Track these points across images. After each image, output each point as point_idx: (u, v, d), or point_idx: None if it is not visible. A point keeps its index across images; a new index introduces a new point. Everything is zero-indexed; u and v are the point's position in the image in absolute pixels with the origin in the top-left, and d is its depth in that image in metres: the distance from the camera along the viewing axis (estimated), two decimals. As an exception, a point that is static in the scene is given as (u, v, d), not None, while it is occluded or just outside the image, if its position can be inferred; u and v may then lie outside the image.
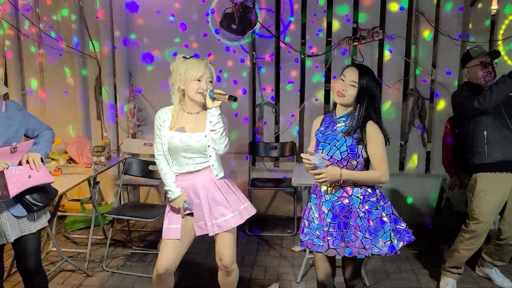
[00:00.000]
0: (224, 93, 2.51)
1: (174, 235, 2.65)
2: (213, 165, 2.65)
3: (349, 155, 2.35)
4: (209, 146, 2.60)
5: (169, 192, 2.64)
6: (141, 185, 4.81)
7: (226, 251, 2.68)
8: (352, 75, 2.37)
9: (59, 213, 4.22)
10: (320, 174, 2.31)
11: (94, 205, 3.90)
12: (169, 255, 2.63)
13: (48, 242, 3.96)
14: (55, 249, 3.73)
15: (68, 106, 4.95)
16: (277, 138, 4.93)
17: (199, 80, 2.54)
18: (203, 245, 4.10)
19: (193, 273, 3.66)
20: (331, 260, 2.56)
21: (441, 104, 4.62)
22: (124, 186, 4.53)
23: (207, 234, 2.66)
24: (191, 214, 2.69)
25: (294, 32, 4.69)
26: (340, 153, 2.35)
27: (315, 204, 2.52)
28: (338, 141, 2.37)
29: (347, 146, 2.35)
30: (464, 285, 3.45)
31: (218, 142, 2.56)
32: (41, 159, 2.48)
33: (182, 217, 2.67)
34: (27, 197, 2.45)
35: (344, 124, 2.42)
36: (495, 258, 3.44)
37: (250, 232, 4.49)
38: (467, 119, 3.24)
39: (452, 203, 4.27)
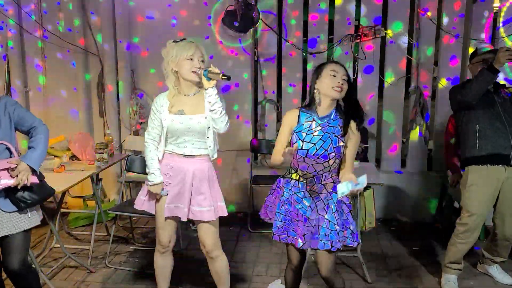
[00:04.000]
0: (218, 71, 2.55)
1: (149, 209, 2.81)
2: (210, 146, 2.71)
3: (336, 155, 2.41)
4: (208, 127, 2.65)
5: (151, 175, 2.70)
6: (143, 182, 4.80)
7: (207, 238, 2.77)
8: (342, 70, 2.41)
9: (62, 210, 4.23)
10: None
11: (97, 202, 3.91)
12: (167, 230, 2.80)
13: (51, 238, 3.98)
14: (58, 245, 3.74)
15: (71, 103, 4.97)
16: (279, 136, 4.94)
17: (191, 59, 2.60)
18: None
19: (195, 266, 3.68)
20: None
21: (443, 102, 4.61)
22: (126, 183, 4.55)
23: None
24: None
25: (296, 30, 4.69)
26: (328, 154, 2.39)
27: (287, 199, 2.51)
28: (324, 141, 2.40)
29: (334, 147, 2.40)
30: (466, 282, 3.46)
31: (218, 121, 2.61)
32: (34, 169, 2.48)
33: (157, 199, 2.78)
34: (16, 193, 2.44)
35: (328, 124, 2.43)
36: (495, 254, 3.45)
37: (252, 229, 4.50)
38: (460, 113, 3.28)
39: (454, 200, 4.27)
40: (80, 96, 4.92)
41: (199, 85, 2.67)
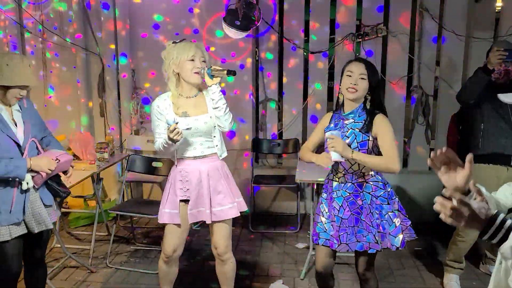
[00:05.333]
0: (222, 68, 2.53)
1: (173, 220, 2.68)
2: (217, 145, 2.68)
3: (360, 151, 2.37)
4: (214, 127, 2.64)
5: (165, 141, 2.50)
6: (144, 181, 4.82)
7: (220, 240, 2.73)
8: (359, 68, 2.39)
9: (63, 210, 4.22)
10: (333, 138, 2.30)
11: (98, 201, 3.90)
12: (174, 239, 2.71)
13: (52, 238, 3.96)
14: (59, 245, 3.74)
15: (72, 103, 4.95)
16: (280, 135, 4.93)
17: (192, 60, 2.56)
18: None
19: (198, 264, 3.67)
20: (332, 253, 2.57)
21: (445, 101, 4.60)
22: (127, 182, 4.53)
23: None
24: (187, 201, 2.69)
25: (297, 29, 4.68)
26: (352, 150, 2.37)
27: (325, 199, 2.55)
28: (349, 137, 2.39)
29: (357, 143, 2.38)
30: (468, 282, 3.44)
31: (222, 119, 2.58)
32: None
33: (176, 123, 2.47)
34: (55, 185, 2.61)
35: (353, 120, 2.43)
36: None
37: (253, 229, 4.49)
38: (467, 111, 3.31)
39: (456, 200, 4.26)
40: (81, 95, 4.90)
41: (200, 86, 2.66)
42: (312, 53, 4.65)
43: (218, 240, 2.73)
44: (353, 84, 2.37)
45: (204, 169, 2.65)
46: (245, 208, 2.78)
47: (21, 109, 2.51)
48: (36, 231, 2.51)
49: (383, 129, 2.39)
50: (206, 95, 2.68)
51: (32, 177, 2.44)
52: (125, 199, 4.40)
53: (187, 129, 2.56)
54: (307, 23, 4.72)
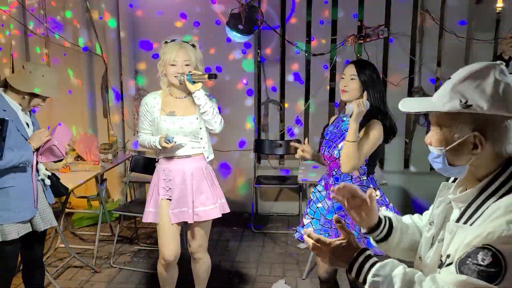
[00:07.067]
0: (201, 73, 2.53)
1: (157, 219, 2.71)
2: (204, 147, 2.68)
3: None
4: (201, 128, 2.64)
5: (154, 143, 2.60)
6: (147, 182, 4.80)
7: (194, 239, 2.75)
8: (350, 70, 2.44)
9: (67, 210, 4.25)
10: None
11: (101, 202, 3.93)
12: (172, 242, 2.70)
13: (56, 238, 4.00)
14: (63, 245, 3.76)
15: (75, 104, 4.97)
16: (282, 136, 4.95)
17: (173, 65, 2.56)
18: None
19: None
20: None
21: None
22: (130, 183, 4.56)
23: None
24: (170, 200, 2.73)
25: (299, 30, 4.70)
26: (339, 151, 2.38)
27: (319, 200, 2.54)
28: (340, 139, 2.41)
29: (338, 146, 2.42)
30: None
31: (211, 122, 2.58)
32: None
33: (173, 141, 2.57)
34: (59, 183, 2.79)
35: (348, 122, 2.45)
36: None
37: (256, 229, 4.52)
38: None
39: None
40: (84, 96, 4.93)
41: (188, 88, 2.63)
42: (314, 55, 4.67)
43: (191, 238, 2.76)
44: (344, 85, 2.43)
45: (188, 168, 2.66)
46: (227, 210, 2.78)
47: (29, 113, 2.67)
48: (42, 229, 2.57)
49: (368, 135, 2.37)
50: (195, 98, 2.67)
51: (41, 154, 2.53)
52: (129, 200, 4.43)
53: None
54: (309, 24, 4.74)
